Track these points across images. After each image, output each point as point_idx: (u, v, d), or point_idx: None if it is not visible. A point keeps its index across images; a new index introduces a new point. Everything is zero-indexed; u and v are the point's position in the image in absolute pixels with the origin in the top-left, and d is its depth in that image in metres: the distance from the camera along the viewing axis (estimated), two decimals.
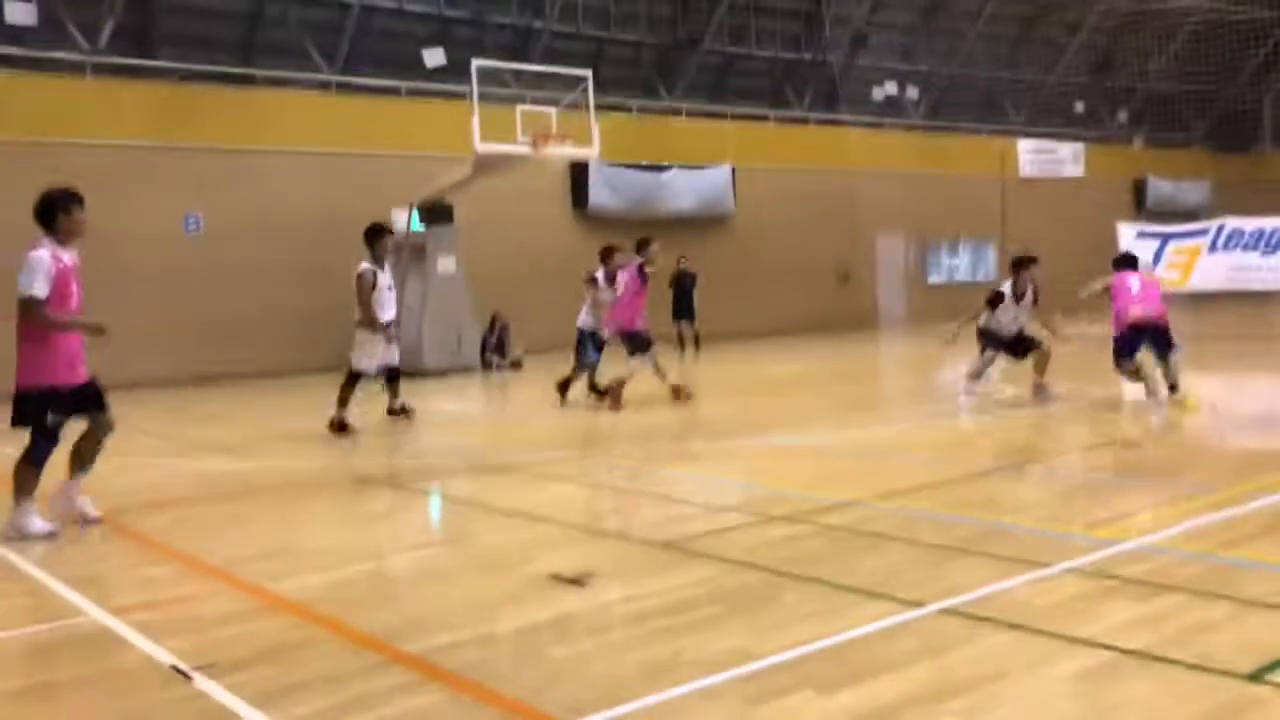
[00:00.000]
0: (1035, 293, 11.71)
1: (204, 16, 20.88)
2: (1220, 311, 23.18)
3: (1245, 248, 19.69)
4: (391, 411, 11.75)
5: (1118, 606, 4.47)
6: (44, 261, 6.57)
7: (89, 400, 6.93)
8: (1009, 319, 11.65)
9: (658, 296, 20.34)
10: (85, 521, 6.98)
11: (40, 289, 6.53)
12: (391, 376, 11.68)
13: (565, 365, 13.29)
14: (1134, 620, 4.28)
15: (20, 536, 6.59)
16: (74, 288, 6.76)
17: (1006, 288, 11.70)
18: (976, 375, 11.87)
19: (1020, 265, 11.80)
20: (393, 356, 11.54)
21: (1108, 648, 3.98)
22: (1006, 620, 4.32)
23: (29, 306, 6.56)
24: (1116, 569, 5.01)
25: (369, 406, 12.13)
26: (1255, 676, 3.66)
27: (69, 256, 6.80)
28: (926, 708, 3.53)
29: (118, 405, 13.57)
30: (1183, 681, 3.67)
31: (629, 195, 23.75)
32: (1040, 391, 11.44)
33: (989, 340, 11.73)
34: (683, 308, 20.77)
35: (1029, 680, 3.73)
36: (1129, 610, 4.41)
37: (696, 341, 20.84)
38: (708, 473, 8.47)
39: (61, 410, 6.73)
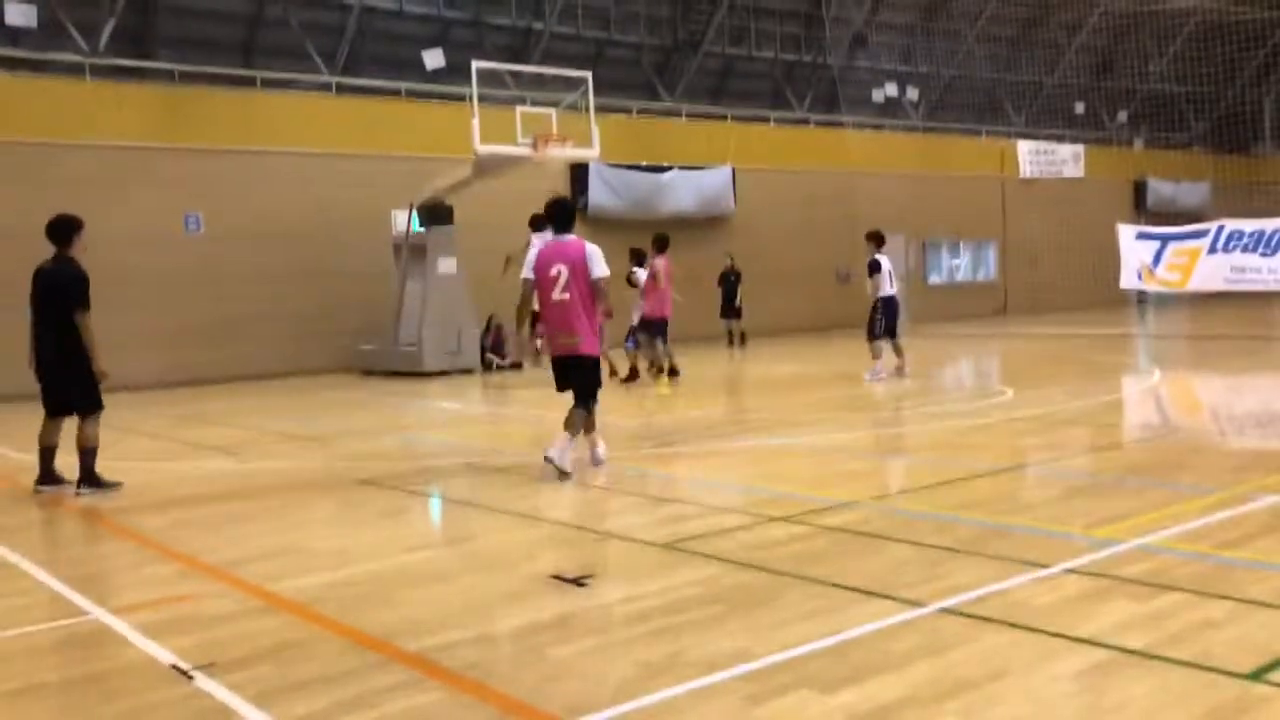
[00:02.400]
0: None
1: (204, 18, 20.89)
2: (1220, 312, 23.19)
3: (1245, 249, 19.68)
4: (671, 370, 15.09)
5: (1117, 606, 4.47)
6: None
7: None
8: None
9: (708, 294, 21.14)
10: (596, 463, 8.55)
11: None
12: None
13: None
14: (1134, 620, 4.28)
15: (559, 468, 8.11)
16: None
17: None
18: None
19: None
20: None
21: (1108, 647, 3.98)
22: (1006, 620, 4.32)
23: (604, 287, 8.21)
24: (1116, 569, 5.01)
25: (378, 408, 12.10)
26: (1256, 676, 3.66)
27: None
28: (926, 707, 3.53)
29: (117, 406, 13.52)
30: (1183, 681, 3.67)
31: (629, 196, 23.75)
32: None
33: None
34: (729, 305, 21.62)
35: (1029, 680, 3.73)
36: (1129, 610, 4.42)
37: (742, 338, 21.67)
38: (707, 473, 8.47)
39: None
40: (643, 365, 15.41)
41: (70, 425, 8.43)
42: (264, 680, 4.05)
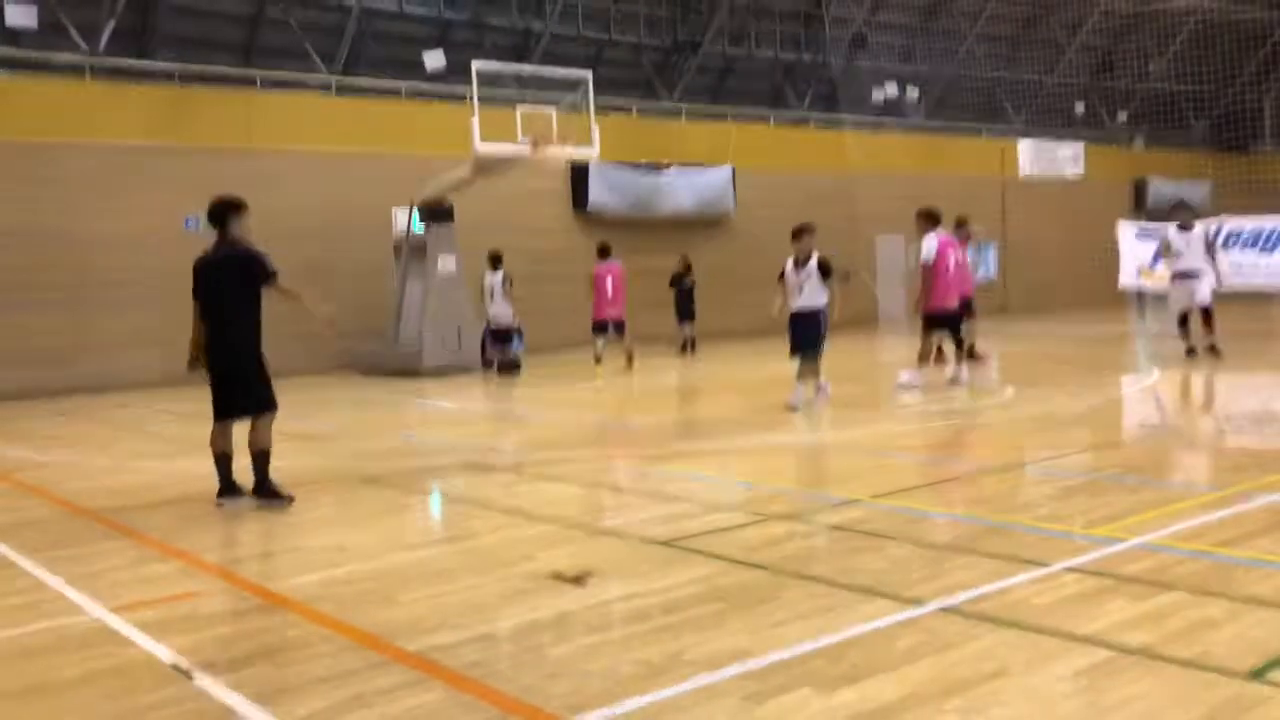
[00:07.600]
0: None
1: (204, 18, 20.87)
2: (1219, 311, 23.14)
3: (1244, 247, 19.67)
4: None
5: (1117, 605, 4.47)
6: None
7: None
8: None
9: (665, 297, 20.38)
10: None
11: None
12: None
13: (568, 362, 13.25)
14: (1134, 619, 4.28)
15: (910, 387, 12.31)
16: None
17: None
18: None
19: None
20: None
21: (1107, 646, 3.98)
22: (1006, 619, 4.32)
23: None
24: (1116, 567, 5.01)
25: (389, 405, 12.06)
26: (1256, 675, 3.66)
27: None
28: (926, 707, 3.53)
29: (117, 405, 13.47)
30: (1183, 680, 3.67)
31: (629, 196, 23.74)
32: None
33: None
34: (685, 309, 20.27)
35: (1029, 679, 3.73)
36: (1128, 609, 4.42)
37: (693, 344, 20.28)
38: (708, 471, 8.47)
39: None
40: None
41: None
42: (264, 680, 4.06)
